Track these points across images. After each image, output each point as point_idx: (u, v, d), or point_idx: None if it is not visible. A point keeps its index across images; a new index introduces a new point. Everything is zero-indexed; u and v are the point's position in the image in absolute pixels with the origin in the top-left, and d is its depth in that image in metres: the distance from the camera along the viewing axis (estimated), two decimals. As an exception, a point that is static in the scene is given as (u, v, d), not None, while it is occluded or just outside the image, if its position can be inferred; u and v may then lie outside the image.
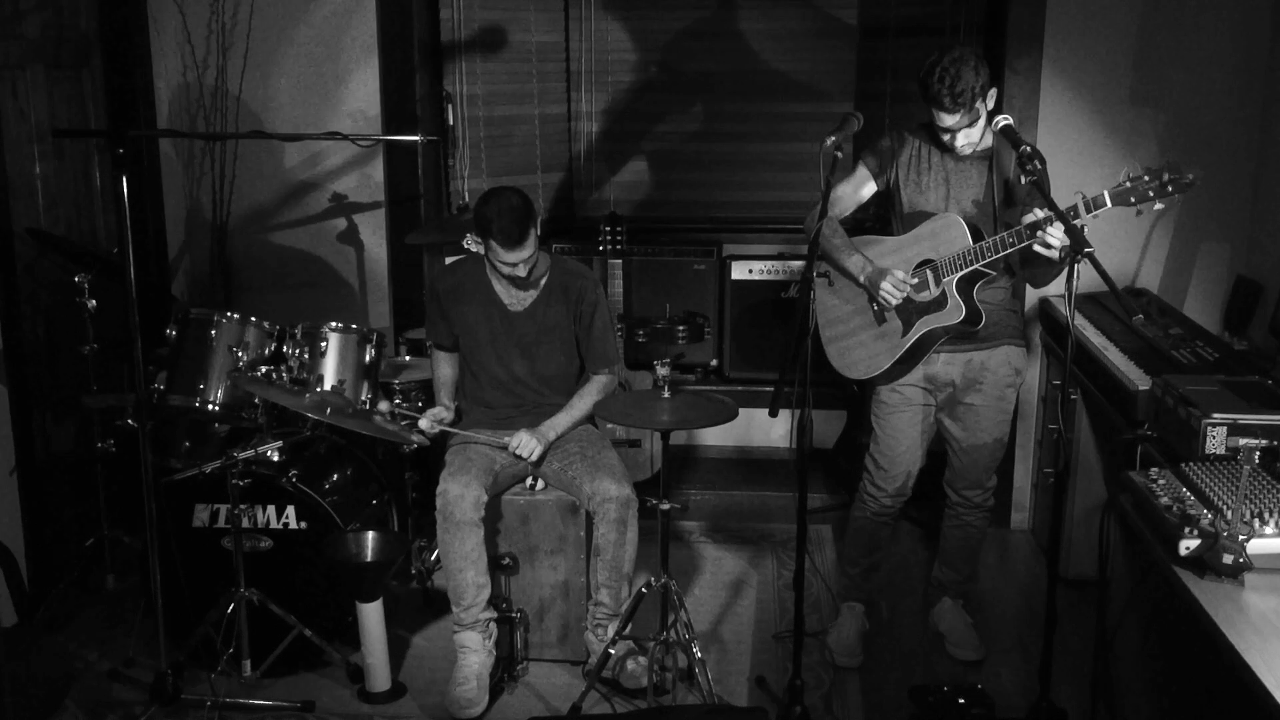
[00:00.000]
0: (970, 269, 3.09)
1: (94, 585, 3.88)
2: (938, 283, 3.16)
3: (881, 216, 3.50)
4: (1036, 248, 2.93)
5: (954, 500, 3.48)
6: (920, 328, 3.21)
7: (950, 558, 3.58)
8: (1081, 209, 2.85)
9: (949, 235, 3.14)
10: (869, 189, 3.27)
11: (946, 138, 3.09)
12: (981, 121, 3.05)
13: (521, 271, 3.30)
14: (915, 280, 3.17)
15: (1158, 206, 2.81)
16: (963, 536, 3.52)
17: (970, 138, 3.08)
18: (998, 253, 3.03)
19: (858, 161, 3.29)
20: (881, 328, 3.27)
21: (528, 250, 3.25)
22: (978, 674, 3.39)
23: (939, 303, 3.17)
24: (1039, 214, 2.91)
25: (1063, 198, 2.85)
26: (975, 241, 3.07)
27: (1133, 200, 2.81)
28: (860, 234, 3.34)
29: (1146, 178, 2.80)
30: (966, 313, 3.14)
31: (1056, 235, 2.86)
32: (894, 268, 3.17)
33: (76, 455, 3.99)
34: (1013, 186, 3.15)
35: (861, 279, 3.22)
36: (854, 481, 4.52)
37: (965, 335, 3.21)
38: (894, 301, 3.16)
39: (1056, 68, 4.08)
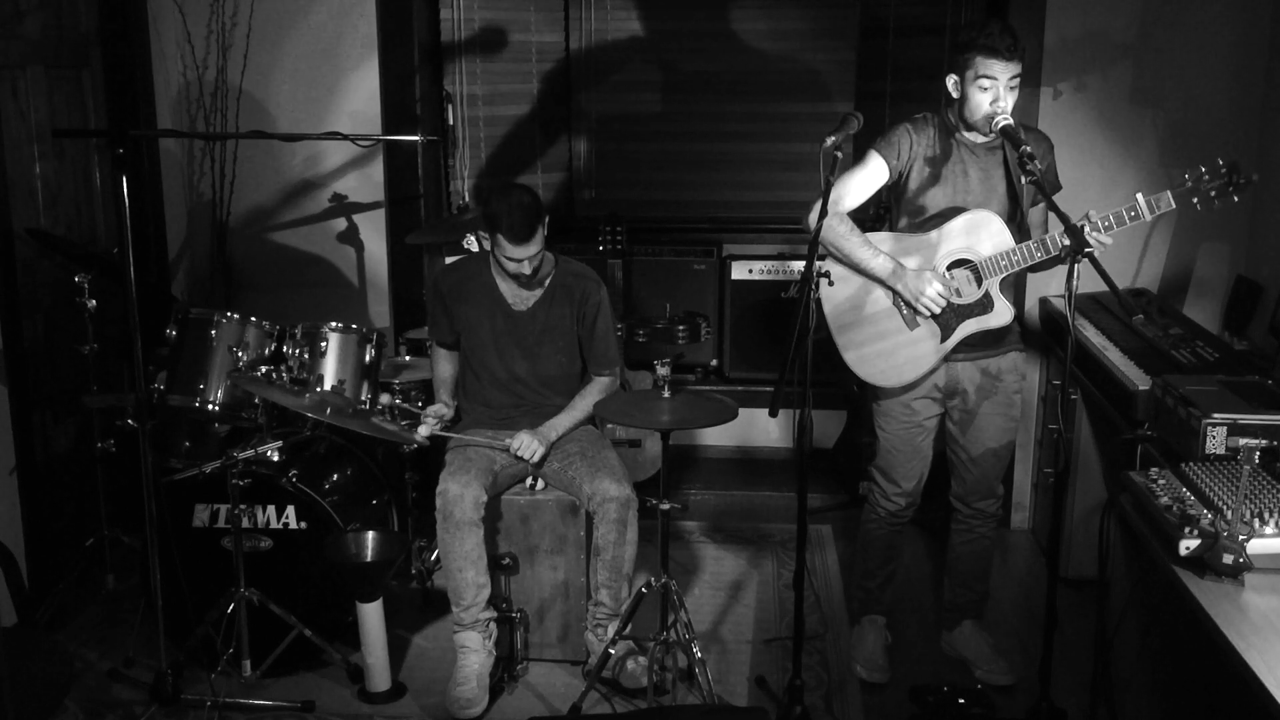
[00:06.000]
0: (1019, 269, 3.00)
1: (94, 585, 3.88)
2: (980, 284, 3.05)
3: (880, 208, 3.41)
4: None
5: (965, 514, 3.35)
6: (963, 331, 3.08)
7: (964, 577, 3.42)
8: (1144, 209, 2.86)
9: (985, 232, 3.02)
10: (881, 180, 3.09)
11: (989, 97, 2.90)
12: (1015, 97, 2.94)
13: (527, 269, 3.30)
14: (955, 283, 3.05)
15: (1218, 205, 2.91)
16: (975, 551, 3.38)
17: (1007, 105, 2.91)
18: (1049, 252, 2.93)
19: (869, 151, 3.11)
20: (914, 333, 3.10)
21: (534, 248, 3.26)
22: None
23: (984, 305, 3.06)
24: (1093, 215, 2.91)
25: (1074, 201, 2.89)
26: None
27: (1195, 200, 2.89)
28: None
29: (1208, 177, 2.87)
30: (1015, 313, 3.06)
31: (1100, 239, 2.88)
32: (923, 268, 3.04)
33: (76, 455, 3.98)
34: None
35: (897, 286, 3.05)
36: (854, 481, 4.55)
37: (984, 339, 3.12)
38: (936, 311, 3.04)
39: (1057, 67, 4.08)
